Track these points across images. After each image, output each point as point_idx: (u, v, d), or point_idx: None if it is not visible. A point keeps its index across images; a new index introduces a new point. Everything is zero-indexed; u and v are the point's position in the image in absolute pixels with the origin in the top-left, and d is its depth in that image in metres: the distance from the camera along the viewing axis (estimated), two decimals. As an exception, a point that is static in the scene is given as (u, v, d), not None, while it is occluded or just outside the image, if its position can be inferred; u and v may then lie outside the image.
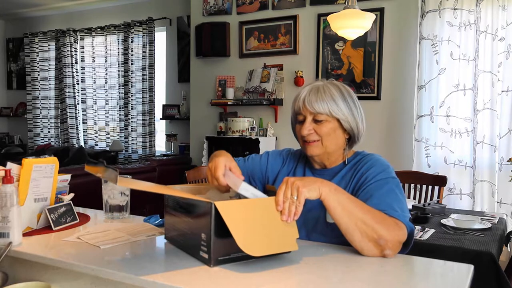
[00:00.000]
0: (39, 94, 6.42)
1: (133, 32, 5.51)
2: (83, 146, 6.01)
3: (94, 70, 5.96)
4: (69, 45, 6.10)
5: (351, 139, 1.35)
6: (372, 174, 1.28)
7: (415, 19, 3.68)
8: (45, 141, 6.43)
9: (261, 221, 1.03)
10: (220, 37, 4.51)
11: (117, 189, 1.52)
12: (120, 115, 5.74)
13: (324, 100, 1.27)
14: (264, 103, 4.22)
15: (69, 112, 6.15)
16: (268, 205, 1.06)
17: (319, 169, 1.40)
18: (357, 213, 1.09)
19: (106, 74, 5.84)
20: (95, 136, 6.02)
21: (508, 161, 3.29)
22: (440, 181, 3.00)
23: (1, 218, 1.18)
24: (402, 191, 1.29)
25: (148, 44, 5.42)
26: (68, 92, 6.13)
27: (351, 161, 1.37)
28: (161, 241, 1.25)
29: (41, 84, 6.41)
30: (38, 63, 6.41)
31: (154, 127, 5.55)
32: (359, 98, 1.38)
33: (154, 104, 5.47)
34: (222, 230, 1.00)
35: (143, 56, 5.46)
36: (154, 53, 5.41)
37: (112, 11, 5.86)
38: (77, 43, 6.09)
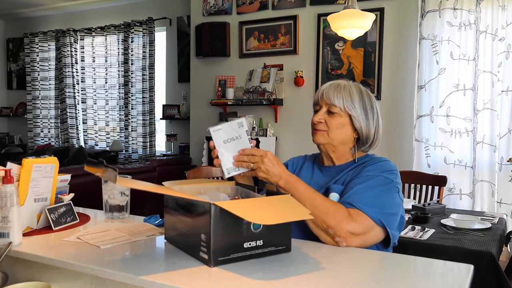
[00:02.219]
0: (39, 94, 6.42)
1: (133, 32, 5.51)
2: (83, 146, 6.01)
3: (94, 70, 5.96)
4: (69, 45, 6.10)
5: (359, 139, 1.37)
6: (365, 171, 1.30)
7: (415, 19, 3.68)
8: (45, 141, 6.43)
9: (265, 209, 1.04)
10: (220, 37, 4.51)
11: (117, 189, 1.52)
12: (120, 115, 5.74)
13: (341, 94, 1.34)
14: (264, 103, 4.21)
15: (69, 112, 6.15)
16: (268, 202, 1.06)
17: (327, 166, 1.42)
18: (308, 207, 1.14)
19: (106, 74, 5.84)
20: (95, 136, 6.02)
21: (508, 161, 3.29)
22: (440, 181, 3.00)
23: (1, 218, 1.17)
24: (393, 191, 1.27)
25: (148, 44, 5.42)
26: (68, 92, 6.13)
27: (359, 162, 1.38)
28: (161, 241, 1.25)
29: (41, 84, 6.41)
30: (38, 63, 6.41)
31: (154, 127, 5.55)
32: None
33: (154, 104, 5.47)
34: (221, 230, 1.00)
35: (143, 56, 5.46)
36: (154, 53, 5.41)
37: (112, 11, 5.86)
38: (77, 43, 6.09)
